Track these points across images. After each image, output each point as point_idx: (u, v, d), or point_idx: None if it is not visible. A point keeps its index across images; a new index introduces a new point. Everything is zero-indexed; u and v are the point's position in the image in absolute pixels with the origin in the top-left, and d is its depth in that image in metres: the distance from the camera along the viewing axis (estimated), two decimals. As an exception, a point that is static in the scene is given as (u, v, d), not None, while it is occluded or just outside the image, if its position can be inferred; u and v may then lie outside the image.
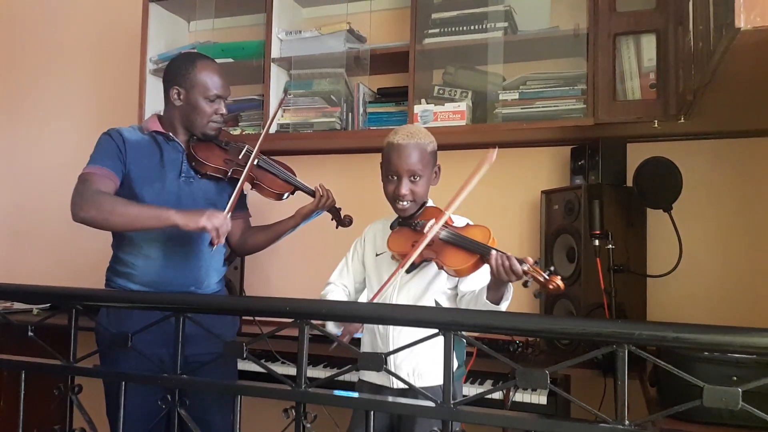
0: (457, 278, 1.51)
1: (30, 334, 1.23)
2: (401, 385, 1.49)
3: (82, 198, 1.62)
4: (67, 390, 1.18)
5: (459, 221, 1.54)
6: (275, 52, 2.42)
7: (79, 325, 1.20)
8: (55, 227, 3.03)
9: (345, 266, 1.69)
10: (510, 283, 1.39)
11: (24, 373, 1.21)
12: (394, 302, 1.53)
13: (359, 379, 1.61)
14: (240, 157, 1.80)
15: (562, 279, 1.99)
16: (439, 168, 1.60)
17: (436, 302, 1.54)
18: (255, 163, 1.78)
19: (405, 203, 1.53)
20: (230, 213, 1.68)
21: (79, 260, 2.85)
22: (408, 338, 1.44)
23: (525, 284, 1.34)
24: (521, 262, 1.32)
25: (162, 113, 1.82)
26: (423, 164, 1.52)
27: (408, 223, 1.55)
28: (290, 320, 1.05)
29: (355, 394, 1.24)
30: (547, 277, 1.30)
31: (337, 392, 1.09)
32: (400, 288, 1.54)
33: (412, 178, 1.51)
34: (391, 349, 1.47)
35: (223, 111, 1.77)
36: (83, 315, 1.21)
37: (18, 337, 1.23)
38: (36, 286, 1.34)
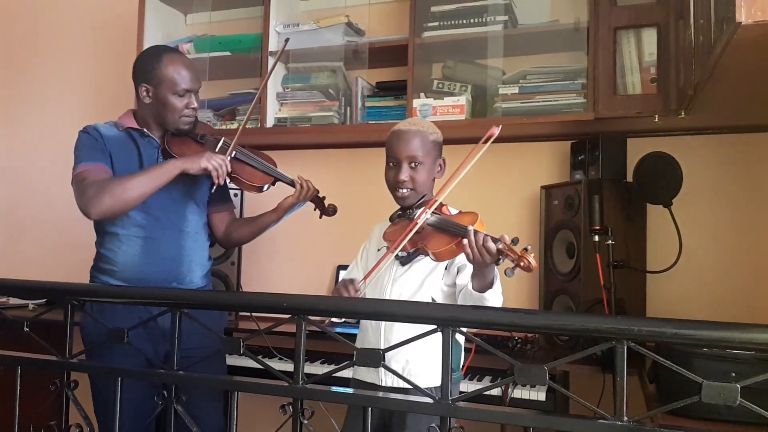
0: (455, 274, 1.49)
1: (26, 329, 1.22)
2: (391, 383, 1.47)
3: (87, 195, 1.61)
4: (63, 386, 1.17)
5: (453, 211, 1.52)
6: (273, 45, 2.40)
7: (75, 320, 1.19)
8: (52, 223, 3.02)
9: (355, 266, 1.69)
10: (496, 272, 1.35)
11: (20, 368, 1.21)
12: (387, 295, 1.51)
13: (352, 377, 1.60)
14: (216, 150, 1.79)
15: (562, 274, 2.02)
16: (444, 161, 1.59)
17: (433, 299, 1.52)
18: (232, 155, 1.77)
19: (404, 190, 1.51)
20: (230, 156, 1.75)
21: (75, 256, 2.84)
22: (400, 334, 1.45)
23: (507, 273, 1.28)
24: (496, 240, 1.28)
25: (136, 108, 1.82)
26: (424, 151, 1.52)
27: (405, 214, 1.54)
28: (287, 316, 1.05)
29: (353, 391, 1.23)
30: (519, 254, 1.25)
31: (334, 388, 1.08)
32: (394, 281, 1.53)
33: (412, 165, 1.51)
34: (382, 344, 1.46)
35: (195, 105, 1.76)
36: (79, 310, 1.20)
37: (14, 332, 1.23)
38: (31, 281, 1.34)
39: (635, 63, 1.95)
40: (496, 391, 1.83)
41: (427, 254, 1.43)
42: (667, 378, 1.41)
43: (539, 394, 1.82)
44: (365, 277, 1.45)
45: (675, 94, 1.83)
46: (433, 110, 2.18)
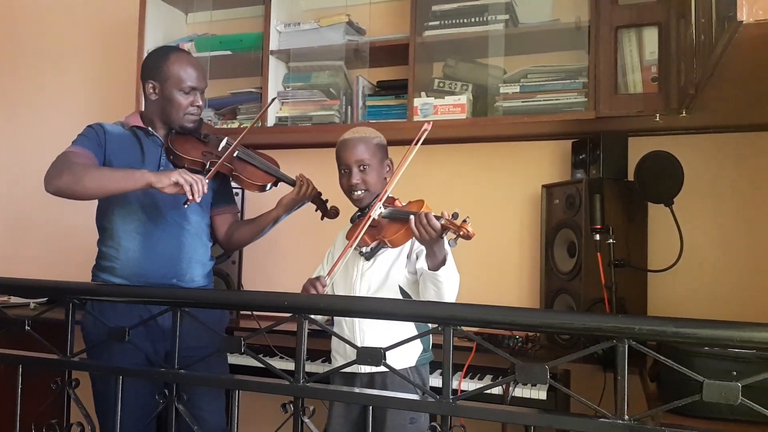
0: (416, 260, 1.58)
1: (27, 328, 1.22)
2: (368, 370, 1.56)
3: (56, 168, 1.62)
4: (64, 384, 1.18)
5: (404, 203, 1.61)
6: (274, 45, 2.40)
7: (76, 319, 1.20)
8: (54, 222, 3.02)
9: (321, 272, 1.75)
10: (447, 250, 1.44)
11: (21, 367, 1.21)
12: (357, 289, 1.61)
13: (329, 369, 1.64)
14: (219, 149, 1.79)
15: (563, 273, 2.02)
16: (391, 162, 1.69)
17: (401, 288, 1.60)
18: (234, 154, 1.78)
19: (359, 192, 1.63)
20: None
21: (76, 255, 2.85)
22: (372, 327, 1.55)
23: (450, 243, 1.39)
24: (438, 217, 1.39)
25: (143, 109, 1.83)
26: (370, 154, 1.63)
27: (364, 213, 1.63)
28: (288, 315, 1.05)
29: (353, 389, 1.23)
30: (458, 225, 1.36)
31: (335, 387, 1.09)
32: (362, 275, 1.62)
33: (361, 168, 1.63)
34: (357, 338, 1.58)
35: (200, 103, 1.78)
36: (80, 309, 1.21)
37: (15, 331, 1.23)
38: (33, 280, 1.34)
39: (636, 62, 1.95)
40: (497, 390, 1.83)
41: (386, 244, 1.54)
42: (668, 377, 1.41)
43: (540, 393, 1.82)
44: (329, 272, 1.55)
45: (676, 93, 1.83)
46: (434, 109, 2.18)
